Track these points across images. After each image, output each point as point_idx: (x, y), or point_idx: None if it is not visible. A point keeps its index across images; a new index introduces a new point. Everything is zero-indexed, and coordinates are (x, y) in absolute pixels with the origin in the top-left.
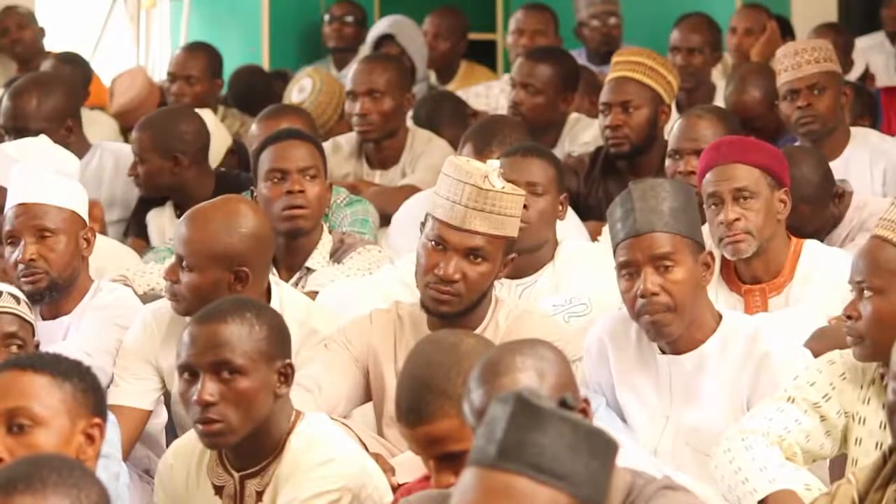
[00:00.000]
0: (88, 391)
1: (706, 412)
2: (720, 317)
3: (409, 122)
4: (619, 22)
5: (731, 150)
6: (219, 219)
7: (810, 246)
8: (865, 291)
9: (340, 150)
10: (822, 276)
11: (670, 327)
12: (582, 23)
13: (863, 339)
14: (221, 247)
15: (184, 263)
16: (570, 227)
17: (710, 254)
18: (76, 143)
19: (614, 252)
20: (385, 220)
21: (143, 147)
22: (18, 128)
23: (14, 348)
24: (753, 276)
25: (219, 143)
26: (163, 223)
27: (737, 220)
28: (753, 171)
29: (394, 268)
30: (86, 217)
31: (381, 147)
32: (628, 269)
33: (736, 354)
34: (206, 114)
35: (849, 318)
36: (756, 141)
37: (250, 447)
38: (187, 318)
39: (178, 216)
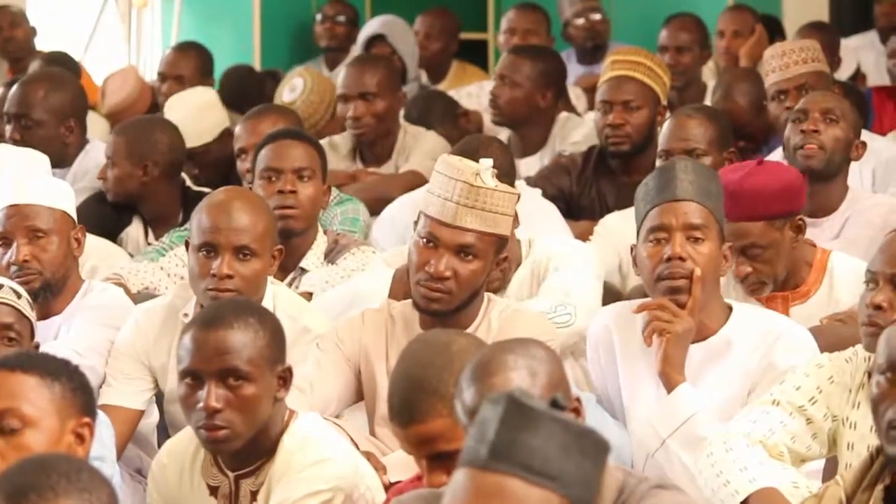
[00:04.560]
0: (77, 391)
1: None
2: (730, 309)
3: (401, 119)
4: (604, 18)
5: (733, 207)
6: (257, 201)
7: (838, 257)
8: None
9: (337, 149)
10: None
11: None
12: (567, 23)
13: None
14: (273, 227)
15: (243, 253)
16: (554, 226)
17: (731, 247)
18: (74, 144)
19: (644, 217)
20: (386, 206)
21: (116, 151)
22: (20, 114)
23: (6, 340)
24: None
25: (216, 119)
26: (137, 238)
27: (749, 273)
28: (759, 224)
29: (373, 271)
30: (75, 217)
31: (376, 144)
32: (658, 234)
33: (746, 348)
34: (207, 91)
35: (878, 308)
36: (765, 185)
37: (246, 448)
38: (180, 318)
39: (147, 230)
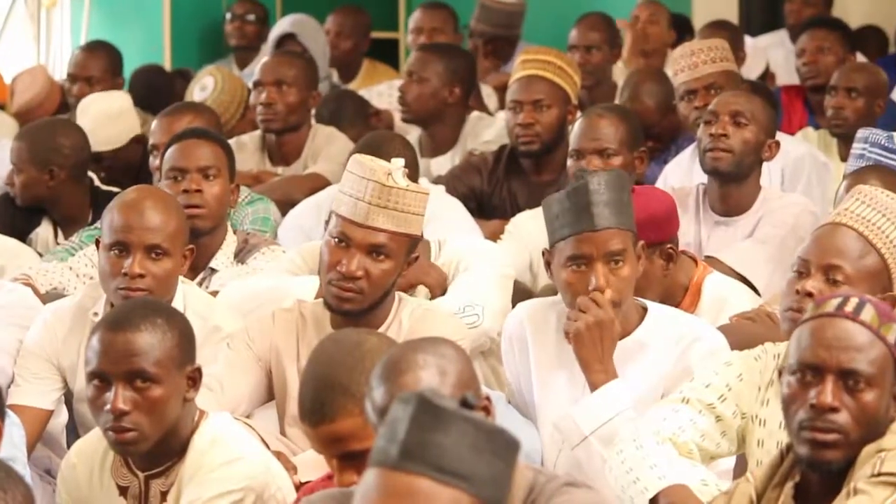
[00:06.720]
0: None
1: None
2: (644, 309)
3: (312, 120)
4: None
5: None
6: (169, 200)
7: (711, 282)
8: (832, 274)
9: (245, 147)
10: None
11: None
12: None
13: None
14: (185, 226)
15: (155, 252)
16: (460, 221)
17: (643, 244)
18: None
19: (560, 239)
20: (291, 207)
21: (21, 157)
22: None
23: None
24: None
25: (127, 126)
26: (46, 238)
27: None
28: None
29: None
30: None
31: (283, 142)
32: (579, 262)
33: (659, 350)
34: (122, 97)
35: (808, 295)
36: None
37: (156, 449)
38: (90, 318)
39: (56, 230)
